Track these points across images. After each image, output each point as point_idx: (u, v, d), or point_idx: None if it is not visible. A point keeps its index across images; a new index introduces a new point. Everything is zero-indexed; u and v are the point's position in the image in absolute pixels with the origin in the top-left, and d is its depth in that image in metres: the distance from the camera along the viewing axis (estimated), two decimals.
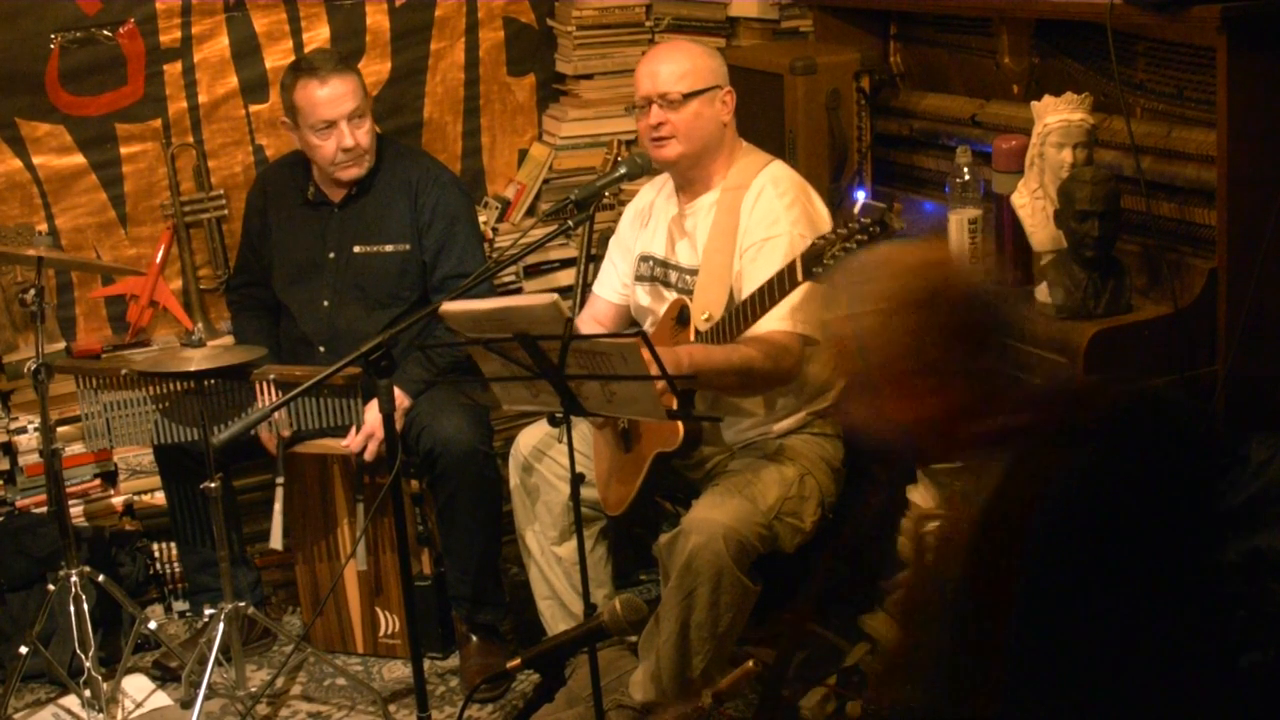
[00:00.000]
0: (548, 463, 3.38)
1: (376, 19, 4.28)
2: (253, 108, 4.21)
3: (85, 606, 3.34)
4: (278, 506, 3.59)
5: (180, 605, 4.03)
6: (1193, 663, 1.82)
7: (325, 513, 3.75)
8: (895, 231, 2.69)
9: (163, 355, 3.57)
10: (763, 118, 3.71)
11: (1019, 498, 1.85)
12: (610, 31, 4.38)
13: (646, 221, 3.43)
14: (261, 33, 4.18)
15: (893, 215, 2.68)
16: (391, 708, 3.52)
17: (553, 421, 3.18)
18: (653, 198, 3.45)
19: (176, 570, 4.01)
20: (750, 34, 4.37)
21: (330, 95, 3.58)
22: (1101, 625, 1.79)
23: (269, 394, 3.34)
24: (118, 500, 4.06)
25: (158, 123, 4.13)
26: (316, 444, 3.67)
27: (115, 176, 4.13)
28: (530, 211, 4.43)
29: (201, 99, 4.15)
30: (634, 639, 3.25)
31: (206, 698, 3.36)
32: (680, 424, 2.99)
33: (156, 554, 4.04)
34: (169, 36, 4.08)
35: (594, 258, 3.76)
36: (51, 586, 3.40)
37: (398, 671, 3.71)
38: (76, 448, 3.88)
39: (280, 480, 3.60)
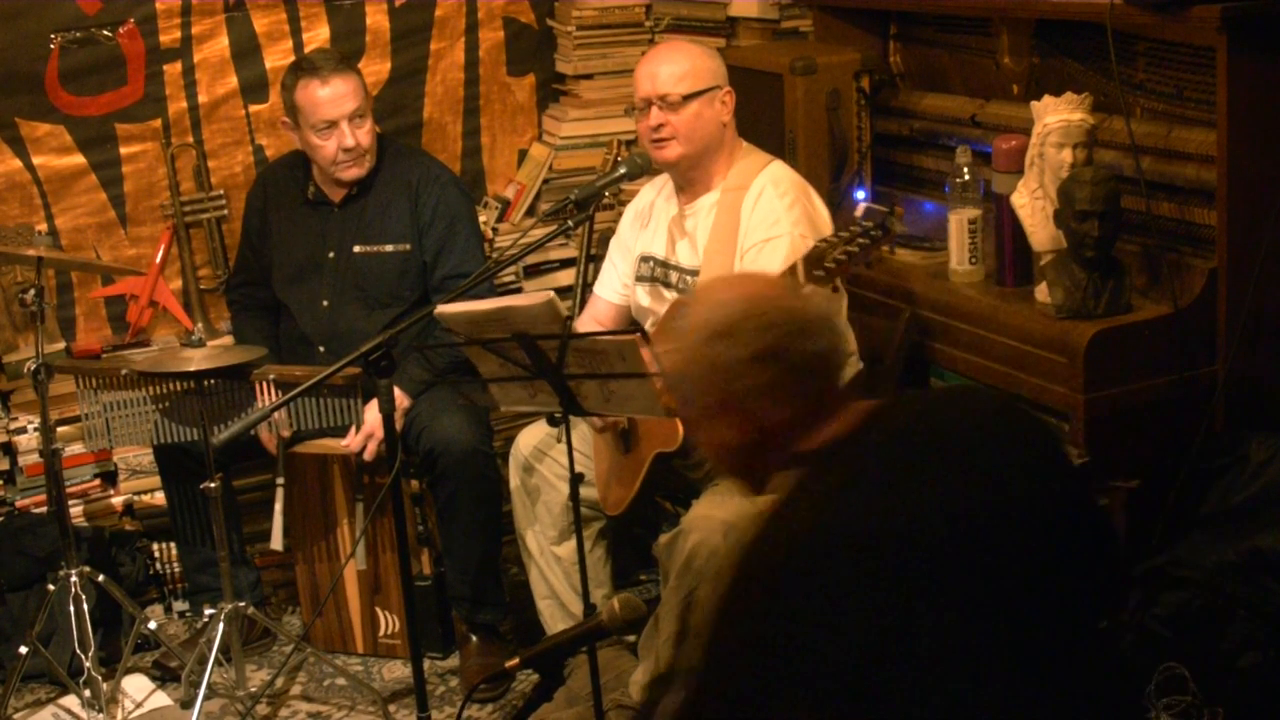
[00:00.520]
0: (548, 463, 3.38)
1: (376, 19, 4.28)
2: (253, 108, 4.21)
3: (85, 606, 3.34)
4: (278, 506, 3.58)
5: (180, 605, 4.03)
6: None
7: (325, 513, 3.75)
8: (896, 235, 2.68)
9: (163, 355, 3.58)
10: (763, 118, 3.71)
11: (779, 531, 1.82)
12: (610, 31, 4.38)
13: (647, 222, 3.43)
14: (261, 33, 4.17)
15: (894, 219, 2.68)
16: (391, 708, 3.52)
17: (552, 421, 3.18)
18: (653, 198, 3.45)
19: (176, 570, 4.00)
20: (750, 34, 4.37)
21: (331, 95, 3.58)
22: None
23: (269, 394, 3.34)
24: (118, 500, 4.06)
25: (158, 123, 4.12)
26: (316, 444, 3.67)
27: (115, 176, 4.12)
28: (530, 211, 4.43)
29: (201, 99, 4.15)
30: (633, 639, 3.25)
31: (206, 698, 3.36)
32: (680, 422, 2.99)
33: (156, 554, 4.03)
34: (169, 36, 4.08)
35: (594, 258, 3.76)
36: (51, 586, 3.40)
37: (397, 671, 3.71)
38: (76, 448, 3.88)
39: (280, 480, 3.60)
